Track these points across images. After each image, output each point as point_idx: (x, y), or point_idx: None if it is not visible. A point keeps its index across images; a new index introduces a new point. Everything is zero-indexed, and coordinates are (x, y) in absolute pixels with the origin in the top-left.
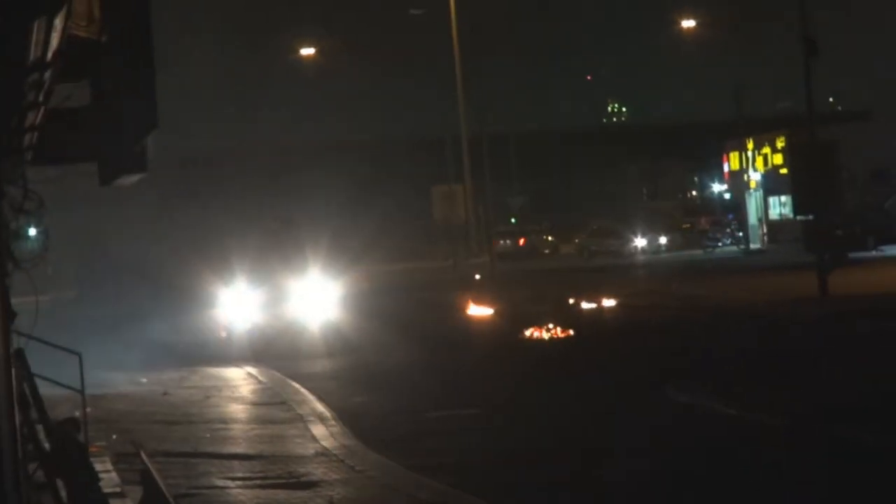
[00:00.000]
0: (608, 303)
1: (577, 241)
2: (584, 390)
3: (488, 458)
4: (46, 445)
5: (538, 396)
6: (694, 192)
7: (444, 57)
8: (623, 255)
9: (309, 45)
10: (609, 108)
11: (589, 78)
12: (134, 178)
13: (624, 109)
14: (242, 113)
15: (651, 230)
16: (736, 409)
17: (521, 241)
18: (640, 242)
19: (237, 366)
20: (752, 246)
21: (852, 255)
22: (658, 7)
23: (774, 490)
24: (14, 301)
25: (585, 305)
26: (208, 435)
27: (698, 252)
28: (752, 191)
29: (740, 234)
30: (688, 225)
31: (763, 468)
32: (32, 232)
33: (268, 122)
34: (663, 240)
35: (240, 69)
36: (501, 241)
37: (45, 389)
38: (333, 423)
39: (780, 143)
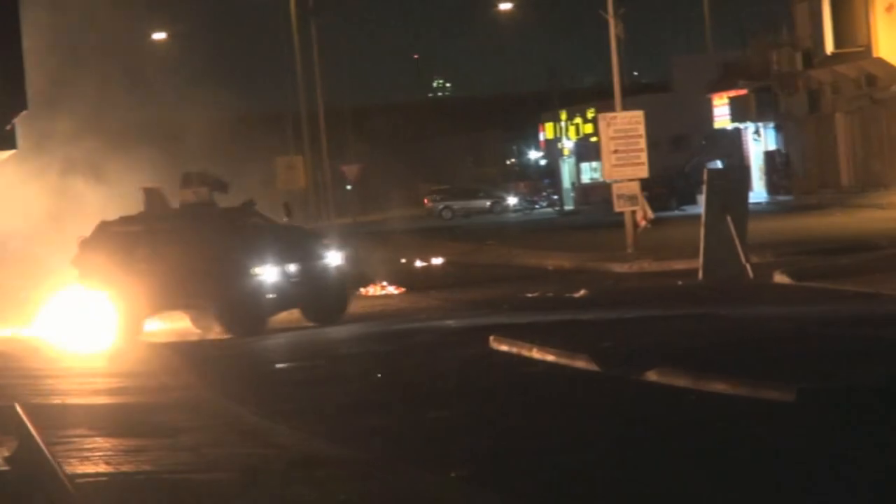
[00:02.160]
0: (437, 260)
1: (427, 202)
2: (415, 342)
3: (332, 406)
4: None
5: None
6: (513, 160)
7: (286, 35)
8: (485, 214)
9: (160, 30)
10: (434, 84)
11: (416, 56)
12: (3, 155)
13: (448, 85)
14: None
15: (496, 193)
16: (554, 357)
17: None
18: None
19: None
20: (567, 208)
21: (657, 214)
22: None
23: (573, 427)
24: None
25: (418, 263)
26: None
27: (549, 213)
28: (565, 157)
29: (555, 197)
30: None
31: (561, 409)
32: None
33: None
34: (513, 200)
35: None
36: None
37: None
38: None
39: (590, 114)
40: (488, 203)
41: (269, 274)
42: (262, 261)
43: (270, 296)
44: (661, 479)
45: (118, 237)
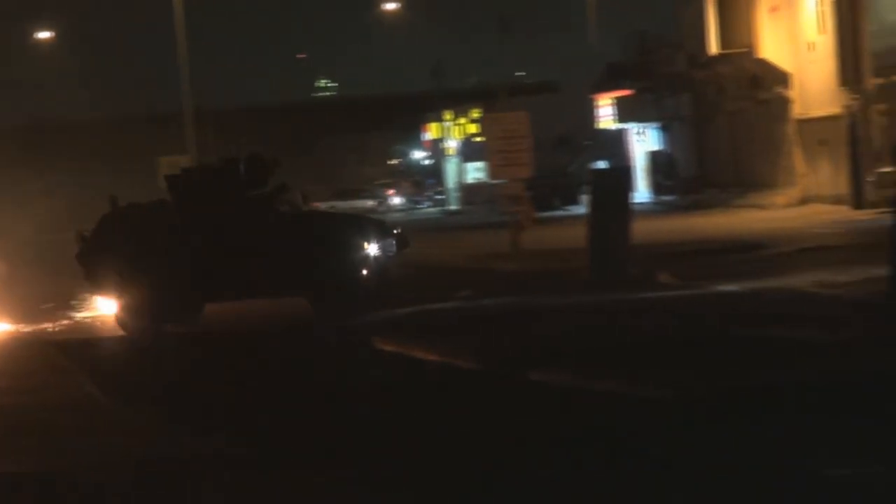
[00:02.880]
0: None
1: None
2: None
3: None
4: None
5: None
6: (398, 160)
7: (168, 34)
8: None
9: (43, 29)
10: (318, 84)
11: (301, 56)
12: None
13: (333, 85)
14: None
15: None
16: (436, 355)
17: None
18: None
19: None
20: (451, 207)
21: (541, 214)
22: None
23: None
24: None
25: None
26: None
27: (433, 213)
28: (450, 157)
29: (440, 196)
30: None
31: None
32: None
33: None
34: (397, 200)
35: None
36: None
37: None
38: None
39: (475, 114)
40: (372, 203)
41: (367, 257)
42: (362, 244)
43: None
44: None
45: (146, 226)
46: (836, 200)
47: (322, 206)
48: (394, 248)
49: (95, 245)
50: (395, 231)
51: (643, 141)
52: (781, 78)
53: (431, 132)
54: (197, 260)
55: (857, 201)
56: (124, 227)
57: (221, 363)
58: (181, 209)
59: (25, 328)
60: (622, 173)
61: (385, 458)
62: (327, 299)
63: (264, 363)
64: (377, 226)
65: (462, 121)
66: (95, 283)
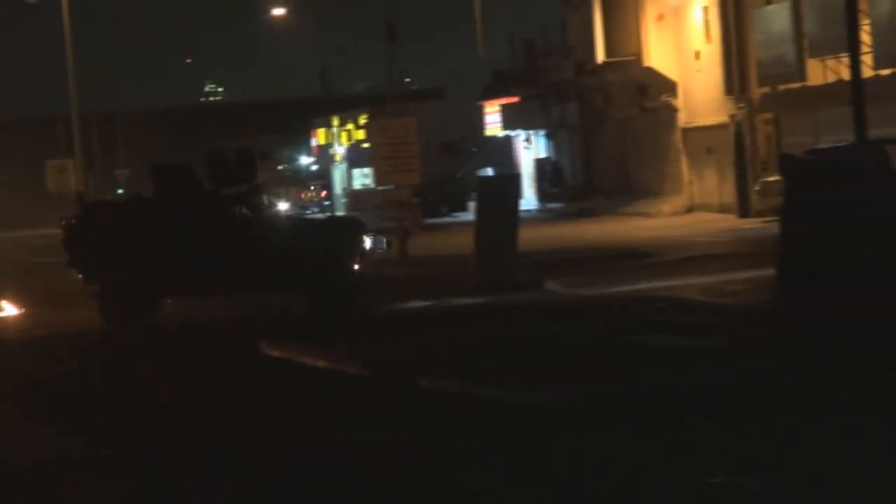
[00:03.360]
0: None
1: None
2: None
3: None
4: None
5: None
6: (285, 165)
7: (57, 37)
8: None
9: None
10: (206, 89)
11: (189, 61)
12: None
13: (220, 89)
14: None
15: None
16: (326, 362)
17: None
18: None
19: None
20: (338, 213)
21: (429, 220)
22: None
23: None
24: None
25: None
26: None
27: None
28: (337, 163)
29: (327, 202)
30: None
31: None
32: None
33: None
34: (284, 205)
35: None
36: None
37: None
38: None
39: (362, 120)
40: None
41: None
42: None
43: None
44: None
45: (129, 218)
46: (722, 209)
47: None
48: (384, 246)
49: (79, 234)
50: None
51: (530, 148)
52: (668, 86)
53: (319, 138)
54: (176, 255)
55: (743, 210)
56: (105, 219)
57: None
58: (164, 203)
59: None
60: (509, 180)
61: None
62: (318, 296)
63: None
64: (360, 226)
65: (349, 126)
66: (80, 268)
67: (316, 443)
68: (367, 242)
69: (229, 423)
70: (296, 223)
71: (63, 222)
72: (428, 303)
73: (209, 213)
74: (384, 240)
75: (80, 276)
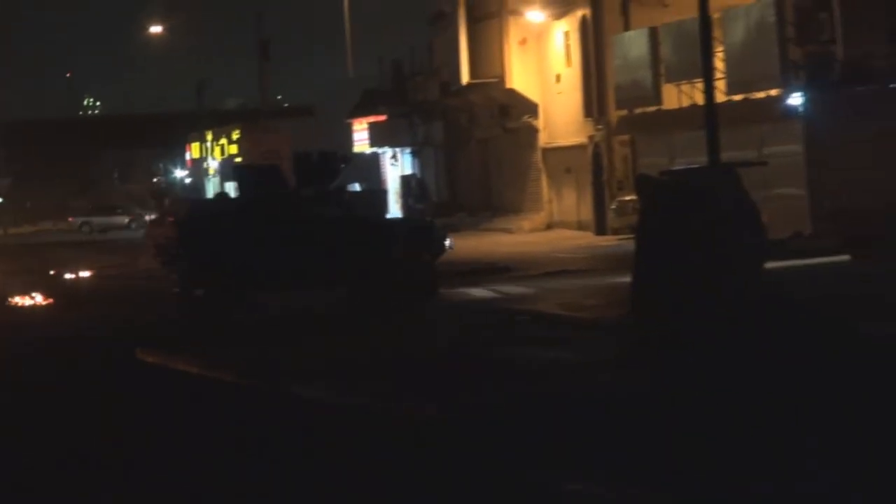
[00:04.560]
0: (85, 274)
1: (71, 219)
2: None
3: None
4: None
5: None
6: (159, 178)
7: None
8: (123, 230)
9: None
10: (85, 102)
11: (69, 74)
12: None
13: (98, 103)
14: None
15: (140, 210)
16: (199, 368)
17: None
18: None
19: None
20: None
21: None
22: (126, 7)
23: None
24: None
25: (67, 276)
26: None
27: None
28: (210, 176)
29: None
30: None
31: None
32: None
33: None
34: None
35: None
36: None
37: None
38: None
39: (234, 135)
40: (126, 220)
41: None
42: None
43: None
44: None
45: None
46: (580, 226)
47: (79, 220)
48: (452, 246)
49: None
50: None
51: (396, 165)
52: (530, 108)
53: (193, 151)
54: (277, 251)
55: (600, 227)
56: (219, 218)
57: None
58: (267, 203)
59: None
60: (376, 196)
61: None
62: (401, 290)
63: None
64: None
65: (223, 141)
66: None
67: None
68: (448, 242)
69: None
70: (383, 223)
71: (171, 219)
72: (291, 312)
73: (303, 211)
74: (451, 239)
75: (189, 275)
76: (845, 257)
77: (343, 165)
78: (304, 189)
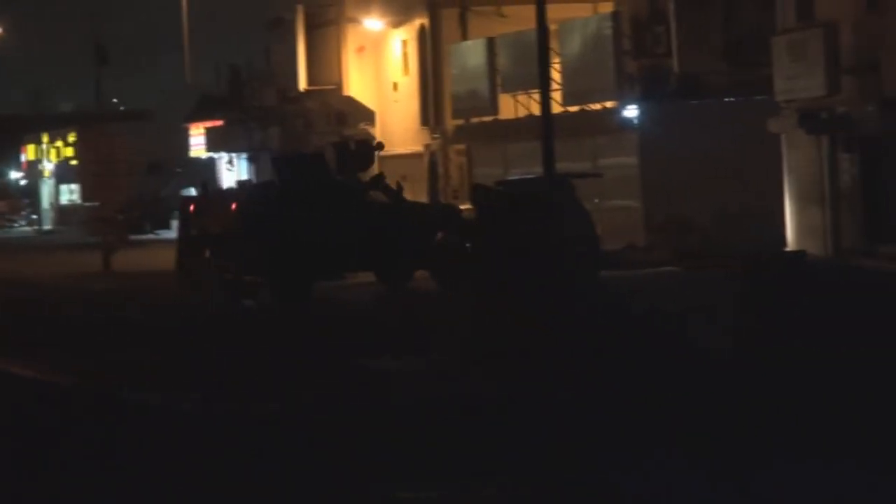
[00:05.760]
0: None
1: None
2: None
3: None
4: None
5: None
6: None
7: None
8: None
9: None
10: None
11: None
12: None
13: None
14: None
15: None
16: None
17: None
18: None
19: None
20: (46, 227)
21: (133, 237)
22: None
23: None
24: None
25: None
26: None
27: (28, 231)
28: (45, 179)
29: (35, 216)
30: None
31: None
32: None
33: None
34: None
35: None
36: None
37: None
38: None
39: (70, 138)
40: None
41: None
42: None
43: None
44: None
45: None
46: None
47: None
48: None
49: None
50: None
51: (233, 170)
52: (367, 115)
53: (28, 154)
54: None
55: None
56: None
57: None
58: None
59: None
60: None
61: None
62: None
63: None
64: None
65: (58, 144)
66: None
67: None
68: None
69: None
70: (424, 208)
71: (235, 206)
72: (126, 314)
73: (350, 197)
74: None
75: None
76: (674, 268)
77: (179, 170)
78: (342, 176)
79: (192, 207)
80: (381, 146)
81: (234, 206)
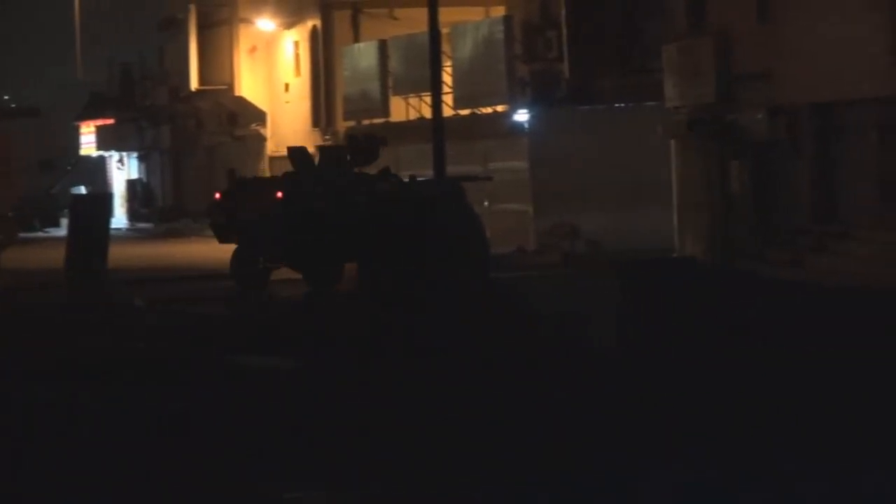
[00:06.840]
0: None
1: None
2: None
3: None
4: None
5: None
6: None
7: None
8: None
9: None
10: None
11: None
12: None
13: None
14: None
15: None
16: None
17: None
18: None
19: None
20: None
21: (23, 235)
22: None
23: None
24: None
25: None
26: None
27: None
28: None
29: None
30: None
31: None
32: None
33: None
34: None
35: None
36: None
37: None
38: None
39: None
40: None
41: None
42: None
43: None
44: None
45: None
46: None
47: None
48: None
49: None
50: None
51: (123, 169)
52: (258, 116)
53: None
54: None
55: None
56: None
57: None
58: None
59: None
60: (101, 199)
61: None
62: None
63: None
64: None
65: None
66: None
67: None
68: None
69: None
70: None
71: (279, 195)
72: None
73: (368, 187)
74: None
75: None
76: (562, 272)
77: (69, 168)
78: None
79: (217, 196)
80: (385, 141)
81: (279, 194)
